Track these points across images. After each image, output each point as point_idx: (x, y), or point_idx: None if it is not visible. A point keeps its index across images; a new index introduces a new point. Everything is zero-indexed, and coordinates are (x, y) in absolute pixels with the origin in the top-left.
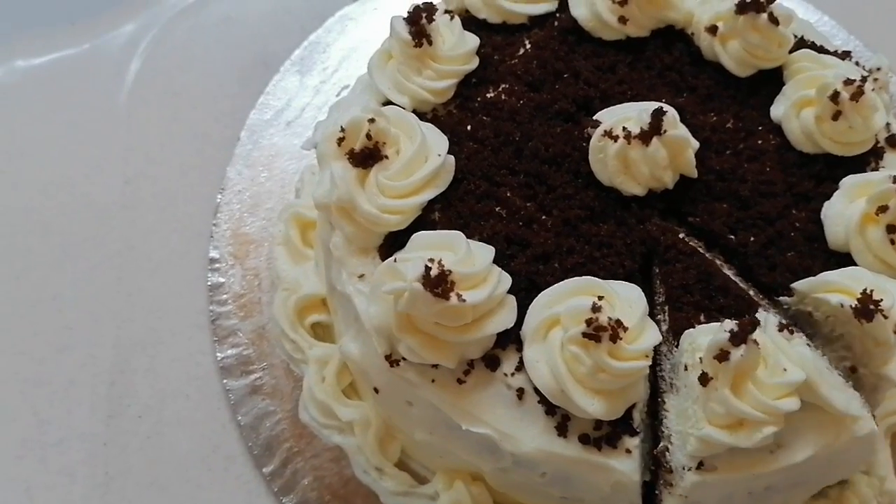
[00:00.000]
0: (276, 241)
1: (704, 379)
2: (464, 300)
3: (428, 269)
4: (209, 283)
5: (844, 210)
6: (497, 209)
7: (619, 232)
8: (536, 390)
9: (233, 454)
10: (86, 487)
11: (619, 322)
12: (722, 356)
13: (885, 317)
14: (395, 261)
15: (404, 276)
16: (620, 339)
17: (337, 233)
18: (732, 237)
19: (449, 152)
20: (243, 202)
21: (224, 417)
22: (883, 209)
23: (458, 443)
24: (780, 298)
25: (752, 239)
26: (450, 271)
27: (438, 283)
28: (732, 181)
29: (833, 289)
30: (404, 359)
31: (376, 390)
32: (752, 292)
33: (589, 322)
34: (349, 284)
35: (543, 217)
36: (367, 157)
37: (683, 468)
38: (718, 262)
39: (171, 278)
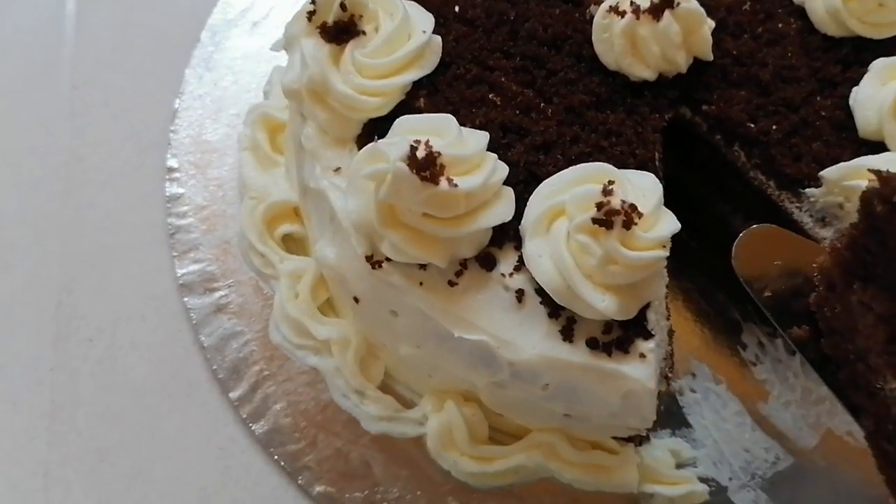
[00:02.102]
0: (242, 145)
1: None
2: (455, 185)
3: (414, 149)
4: (167, 194)
5: (876, 94)
6: (490, 96)
7: (630, 120)
8: (538, 291)
9: (196, 379)
10: (30, 417)
11: (633, 207)
12: None
13: None
14: (376, 141)
15: (387, 156)
16: (635, 224)
17: (309, 123)
18: (752, 125)
19: (435, 34)
20: (205, 107)
21: (185, 339)
22: None
23: (450, 355)
24: (807, 191)
25: (774, 127)
26: (439, 153)
27: (426, 166)
28: (751, 66)
29: (867, 175)
30: (388, 259)
31: (356, 300)
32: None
33: (600, 206)
34: (323, 179)
35: (543, 104)
36: (341, 31)
37: None
38: (738, 153)
39: (125, 190)
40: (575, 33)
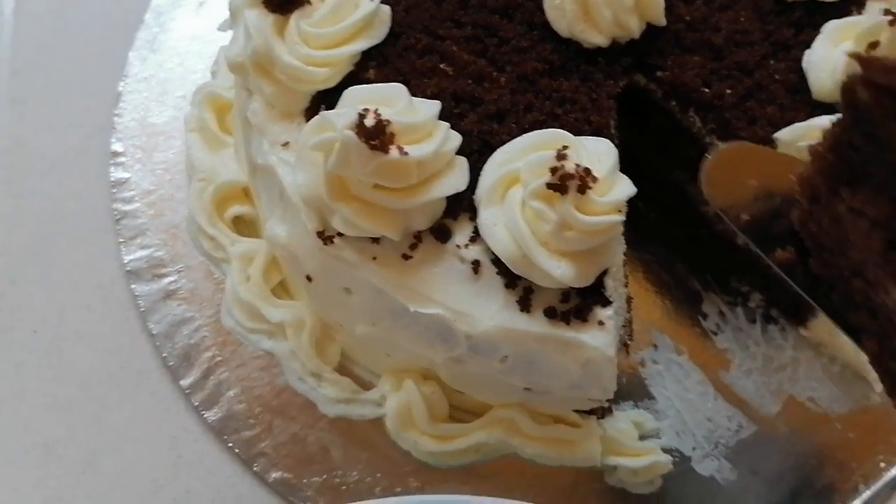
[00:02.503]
0: (189, 126)
1: None
2: (406, 153)
3: (362, 117)
4: (112, 180)
5: (829, 55)
6: (442, 65)
7: (584, 87)
8: (494, 262)
9: (145, 368)
10: None
11: (587, 171)
12: None
13: None
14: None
15: (335, 125)
16: (590, 189)
17: (255, 97)
18: (706, 90)
19: (385, 4)
20: (150, 90)
21: (134, 328)
22: (874, 46)
23: (406, 332)
24: None
25: (728, 91)
26: (388, 121)
27: (376, 134)
28: (704, 31)
29: (819, 133)
30: (339, 234)
31: (309, 279)
32: None
33: (554, 171)
34: (271, 154)
35: (495, 73)
36: (286, 0)
37: None
38: (693, 119)
39: (69, 177)
40: (526, 1)
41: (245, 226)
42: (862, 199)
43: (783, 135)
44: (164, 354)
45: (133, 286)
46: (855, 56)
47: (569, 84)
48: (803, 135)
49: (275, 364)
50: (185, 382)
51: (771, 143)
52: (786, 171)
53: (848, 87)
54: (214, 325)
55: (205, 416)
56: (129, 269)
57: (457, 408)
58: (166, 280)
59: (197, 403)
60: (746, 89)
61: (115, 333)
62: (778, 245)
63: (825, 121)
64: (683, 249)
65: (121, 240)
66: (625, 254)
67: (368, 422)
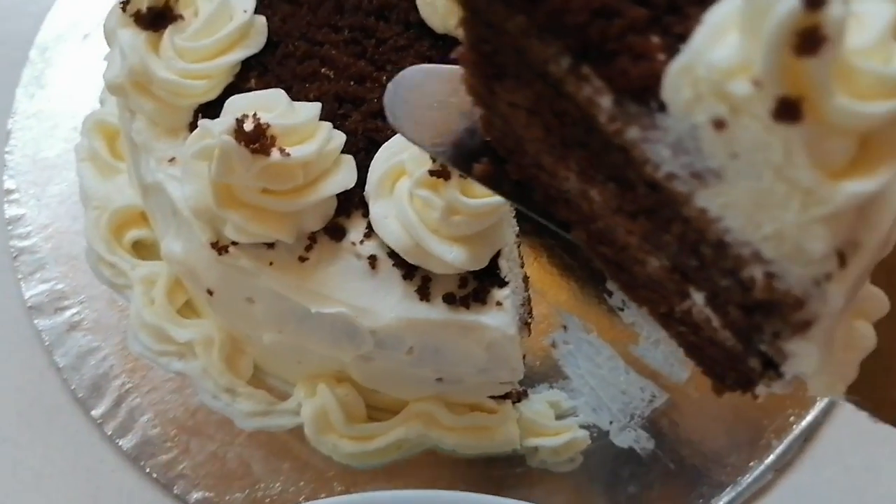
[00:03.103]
0: (80, 156)
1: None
2: (288, 154)
3: (240, 122)
4: (6, 217)
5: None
6: (323, 70)
7: None
8: (390, 255)
9: (55, 402)
10: None
11: None
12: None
13: None
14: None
15: (212, 132)
16: None
17: (138, 117)
18: None
19: (260, 14)
20: (40, 125)
21: (40, 363)
22: None
23: (312, 334)
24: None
25: None
26: (268, 125)
27: (255, 138)
28: None
29: None
30: (233, 243)
31: (210, 293)
32: None
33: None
34: (159, 171)
35: (376, 73)
36: (157, 17)
37: (815, 282)
38: None
39: None
40: (400, 1)
41: (145, 250)
42: (510, 90)
43: None
44: (72, 387)
45: (36, 321)
46: None
47: None
48: None
49: (187, 385)
50: (96, 412)
51: None
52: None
53: None
54: (122, 352)
55: (120, 444)
56: (30, 304)
57: (374, 407)
58: (69, 312)
59: (111, 432)
60: None
61: (21, 370)
62: (473, 160)
63: None
64: None
65: (20, 276)
66: (527, 241)
67: (288, 432)
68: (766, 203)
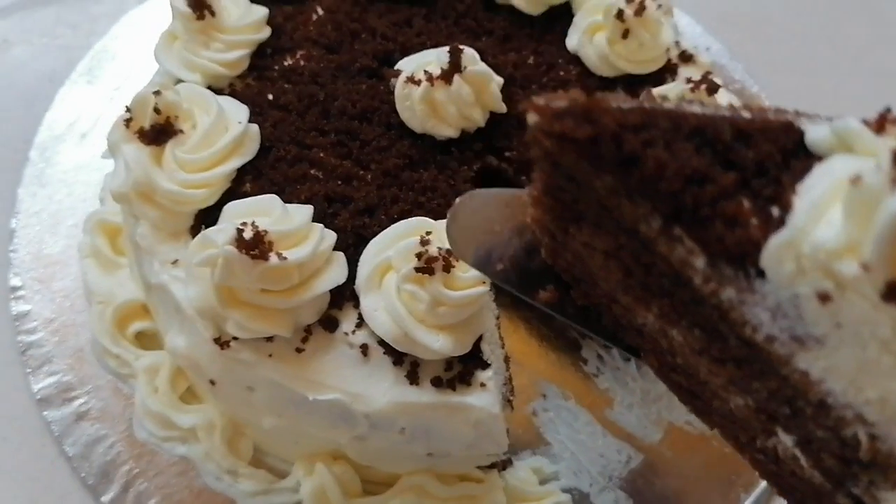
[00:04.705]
0: (83, 253)
1: None
2: (285, 258)
3: (240, 231)
4: (14, 313)
5: None
6: (312, 171)
7: (442, 175)
8: (381, 343)
9: (66, 490)
10: None
11: (449, 252)
12: None
13: None
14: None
15: (216, 242)
16: (454, 267)
17: (142, 222)
18: None
19: (253, 122)
20: (42, 223)
21: (51, 453)
22: None
23: (309, 419)
24: None
25: None
26: (265, 231)
27: (254, 245)
28: None
29: None
30: (235, 338)
31: (213, 383)
32: None
33: (420, 256)
34: (163, 273)
35: (362, 172)
36: (159, 133)
37: None
38: None
39: None
40: (381, 105)
41: (148, 340)
42: (588, 235)
43: None
44: (82, 474)
45: (45, 412)
46: (530, 105)
47: (428, 174)
48: None
49: (191, 468)
50: (106, 498)
51: None
52: (524, 209)
53: (533, 136)
54: (128, 439)
55: None
56: (39, 396)
57: (368, 481)
58: (77, 402)
59: None
60: None
61: (33, 460)
62: (538, 286)
63: None
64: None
65: (28, 370)
66: (505, 314)
67: None
68: (870, 370)
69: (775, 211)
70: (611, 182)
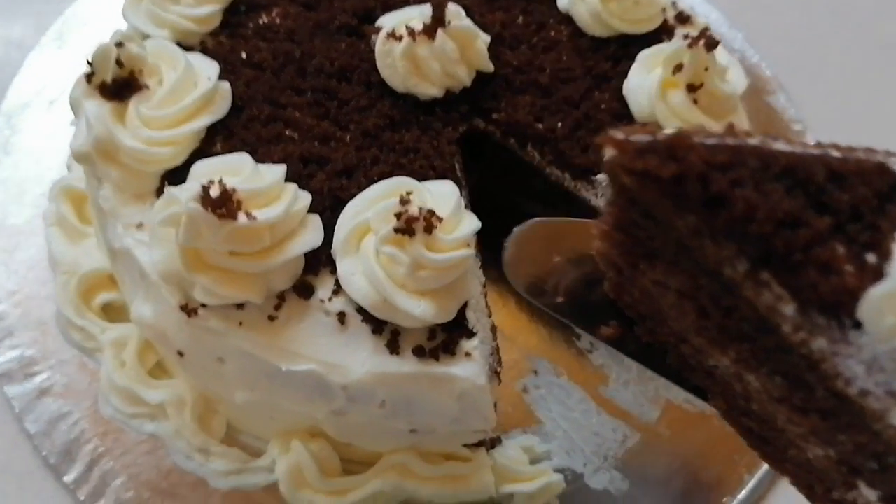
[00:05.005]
0: (48, 221)
1: None
2: (255, 218)
3: (206, 188)
4: None
5: (644, 81)
6: (287, 132)
7: (426, 136)
8: (359, 310)
9: (26, 469)
10: None
11: (431, 212)
12: None
13: None
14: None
15: (179, 199)
16: (436, 228)
17: (105, 184)
18: (539, 125)
19: (224, 80)
20: (7, 192)
21: (11, 430)
22: (679, 68)
23: (284, 392)
24: (598, 177)
25: (559, 125)
26: (234, 189)
27: (222, 203)
28: (531, 72)
29: None
30: (203, 305)
31: (181, 354)
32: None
33: (399, 216)
34: (127, 237)
35: (340, 132)
36: (121, 87)
37: None
38: (533, 154)
39: None
40: (361, 63)
41: (115, 312)
42: (662, 272)
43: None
44: (44, 453)
45: (6, 388)
46: (609, 140)
47: (410, 135)
48: None
49: (160, 446)
50: (68, 478)
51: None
52: (588, 238)
53: (611, 171)
54: (93, 416)
55: None
56: (0, 371)
57: (348, 461)
58: (39, 378)
59: (83, 498)
60: (576, 121)
61: None
62: (600, 321)
63: None
64: None
65: None
66: (493, 287)
67: (263, 490)
68: None
69: (872, 258)
70: (694, 222)
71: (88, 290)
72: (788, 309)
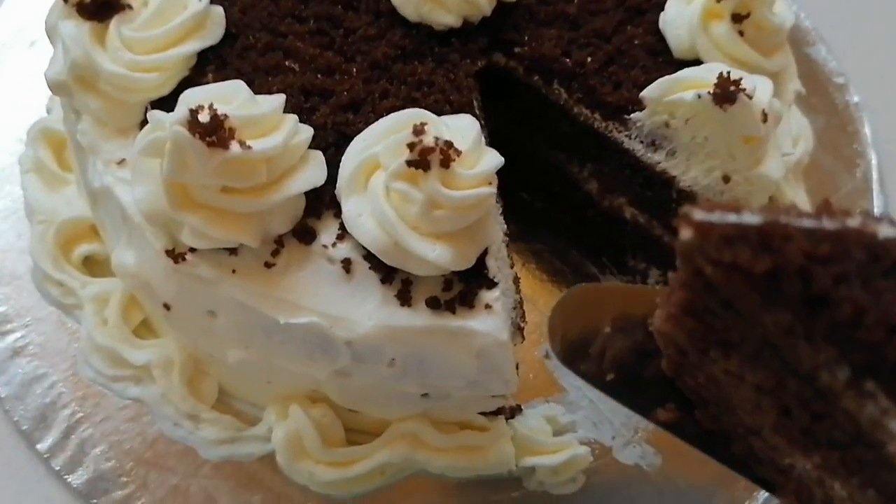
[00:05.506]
0: (25, 167)
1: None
2: (249, 147)
3: (194, 113)
4: None
5: (682, 11)
6: (287, 62)
7: (441, 69)
8: (366, 257)
9: None
10: None
11: (449, 144)
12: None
13: (749, 97)
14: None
15: (164, 124)
16: (454, 162)
17: (84, 117)
18: (567, 60)
19: (218, 5)
20: None
21: None
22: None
23: (282, 349)
24: (632, 116)
25: (589, 59)
26: (225, 115)
27: (212, 130)
28: (557, 2)
29: (687, 86)
30: (191, 249)
31: (167, 307)
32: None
33: (412, 147)
34: (107, 174)
35: (345, 64)
36: (101, 6)
37: None
38: (559, 91)
39: None
40: None
41: (97, 266)
42: (738, 364)
43: (650, 92)
44: (15, 418)
45: None
46: (687, 221)
47: (424, 68)
48: (670, 89)
49: (145, 412)
50: (42, 446)
51: (639, 104)
52: (641, 306)
53: (687, 254)
54: (72, 378)
55: (69, 480)
56: None
57: (353, 430)
58: (12, 336)
59: (58, 467)
60: (607, 55)
61: None
62: (656, 402)
63: (688, 73)
64: (574, 234)
65: None
66: (513, 245)
67: (258, 461)
68: None
69: None
70: (788, 321)
71: (68, 240)
72: None
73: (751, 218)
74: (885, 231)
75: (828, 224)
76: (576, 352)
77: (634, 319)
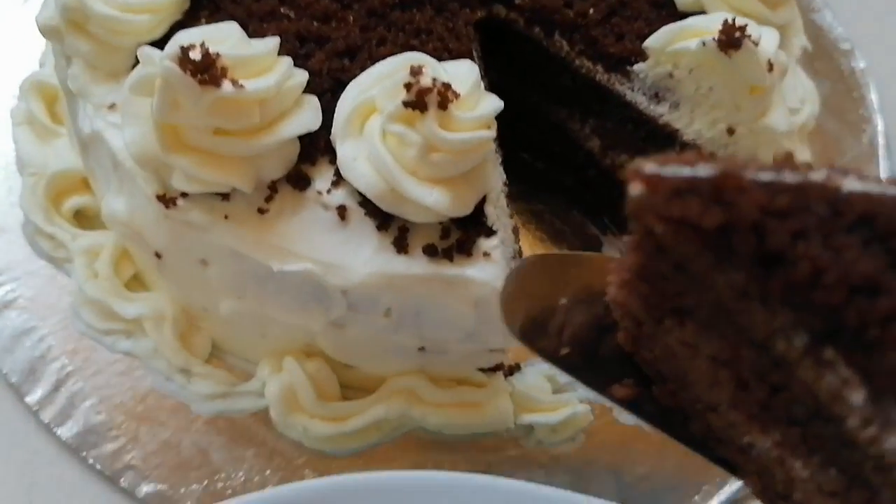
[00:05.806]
0: (17, 120)
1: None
2: (242, 86)
3: (186, 50)
4: None
5: None
6: (282, 9)
7: (440, 17)
8: (362, 203)
9: None
10: None
11: (447, 85)
12: None
13: (755, 44)
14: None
15: (154, 61)
16: (452, 104)
17: (75, 62)
18: (569, 10)
19: None
20: None
21: None
22: None
23: (276, 300)
24: (635, 67)
25: (591, 10)
26: (217, 54)
27: (204, 68)
28: None
29: (691, 34)
30: (183, 195)
31: (158, 256)
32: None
33: (409, 87)
34: (97, 118)
35: (341, 11)
36: None
37: None
38: (560, 43)
39: None
40: None
41: (88, 220)
42: (692, 334)
43: (653, 42)
44: (4, 371)
45: None
46: (636, 174)
47: (422, 16)
48: (673, 38)
49: (137, 366)
50: (32, 399)
51: (642, 55)
52: (597, 277)
53: (637, 212)
54: (62, 332)
55: (58, 433)
56: None
57: (348, 386)
58: (2, 290)
59: (48, 420)
60: (610, 7)
61: None
62: (612, 379)
63: (692, 22)
64: (576, 195)
65: None
66: (512, 205)
67: (251, 416)
68: None
69: None
70: (742, 281)
71: (59, 193)
72: (857, 397)
73: (705, 170)
74: (850, 185)
75: (788, 177)
76: (537, 326)
77: (595, 291)
